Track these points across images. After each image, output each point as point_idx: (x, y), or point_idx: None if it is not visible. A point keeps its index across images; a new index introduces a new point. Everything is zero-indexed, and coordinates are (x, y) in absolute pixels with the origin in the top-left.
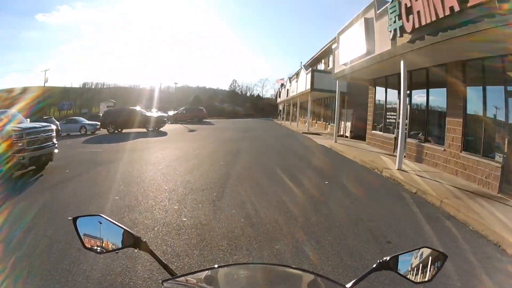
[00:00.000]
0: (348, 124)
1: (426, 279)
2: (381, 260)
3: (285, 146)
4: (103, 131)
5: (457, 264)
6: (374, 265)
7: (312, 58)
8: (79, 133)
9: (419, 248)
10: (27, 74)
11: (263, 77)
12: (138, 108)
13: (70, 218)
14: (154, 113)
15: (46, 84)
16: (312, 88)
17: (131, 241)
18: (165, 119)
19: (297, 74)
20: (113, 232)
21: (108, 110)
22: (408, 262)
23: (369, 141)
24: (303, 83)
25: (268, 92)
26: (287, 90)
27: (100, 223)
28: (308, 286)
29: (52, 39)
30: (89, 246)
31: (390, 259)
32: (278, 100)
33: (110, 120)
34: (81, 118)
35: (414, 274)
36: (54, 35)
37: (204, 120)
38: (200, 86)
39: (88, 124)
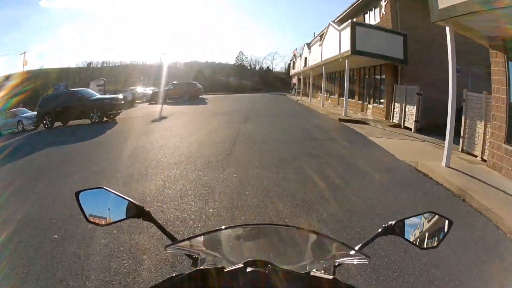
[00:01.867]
0: (411, 109)
1: (433, 245)
2: (386, 225)
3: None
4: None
5: None
6: (380, 230)
7: (341, 15)
8: (16, 130)
9: (425, 213)
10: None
11: (273, 50)
12: (85, 89)
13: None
14: (111, 95)
15: (39, 67)
16: (354, 49)
17: (134, 211)
18: (121, 102)
19: (322, 35)
20: (116, 203)
21: (46, 96)
22: (414, 227)
23: (495, 163)
24: (333, 46)
25: (278, 66)
26: (305, 59)
27: (103, 195)
28: (317, 247)
29: (55, 22)
30: (92, 220)
31: (395, 223)
32: (292, 72)
33: (47, 109)
34: (24, 109)
35: (420, 240)
36: (57, 18)
37: (199, 96)
38: (209, 61)
39: (26, 117)
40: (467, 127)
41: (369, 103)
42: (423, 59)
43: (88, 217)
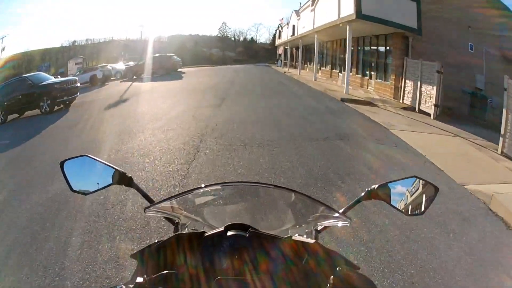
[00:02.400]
0: (429, 90)
1: (418, 212)
2: (369, 189)
3: None
4: None
5: None
6: (363, 194)
7: None
8: None
9: (408, 178)
10: None
11: (257, 21)
12: (38, 74)
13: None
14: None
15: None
16: (359, 13)
17: (117, 178)
18: (75, 85)
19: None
20: (100, 170)
21: None
22: (398, 192)
23: None
24: (329, 10)
25: (262, 37)
26: (293, 27)
27: (86, 163)
28: (299, 209)
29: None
30: (76, 189)
31: (378, 188)
32: (277, 42)
33: None
34: None
35: (405, 206)
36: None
37: (177, 70)
38: (193, 34)
39: None
40: (509, 124)
41: (370, 78)
42: (434, 33)
43: (72, 186)
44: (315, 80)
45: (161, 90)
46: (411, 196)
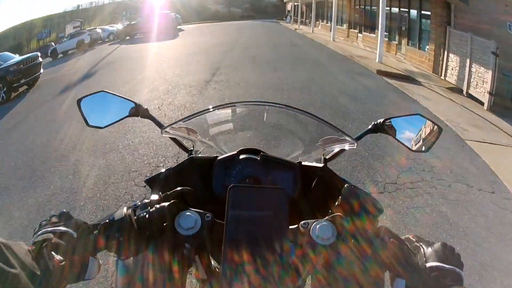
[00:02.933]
0: (482, 73)
1: (423, 149)
2: (375, 122)
3: None
4: None
5: None
6: (370, 126)
7: None
8: None
9: (413, 115)
10: None
11: None
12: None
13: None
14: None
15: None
16: None
17: (132, 110)
18: (36, 61)
19: None
20: (115, 104)
21: None
22: (403, 128)
23: None
24: None
25: None
26: None
27: (103, 98)
28: (309, 131)
29: None
30: (92, 124)
31: (384, 121)
32: None
33: None
34: None
35: (410, 141)
36: None
37: (177, 28)
38: None
39: None
40: None
41: (399, 43)
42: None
43: (88, 121)
44: (334, 40)
45: (147, 55)
46: (416, 132)
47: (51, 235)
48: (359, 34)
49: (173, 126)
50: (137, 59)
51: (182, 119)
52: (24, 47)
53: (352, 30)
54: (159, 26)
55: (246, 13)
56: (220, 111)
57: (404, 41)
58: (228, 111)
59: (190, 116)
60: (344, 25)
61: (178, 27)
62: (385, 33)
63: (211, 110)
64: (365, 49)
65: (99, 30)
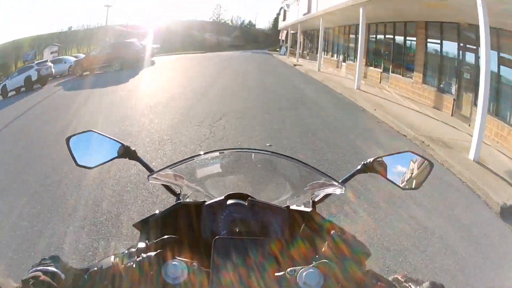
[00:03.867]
0: None
1: (413, 187)
2: (365, 162)
3: None
4: None
5: None
6: (359, 167)
7: None
8: None
9: (403, 152)
10: None
11: (255, 6)
12: None
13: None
14: None
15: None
16: None
17: (121, 151)
18: None
19: None
20: (104, 144)
21: None
22: (393, 166)
23: None
24: None
25: (260, 24)
26: (309, 2)
27: (91, 138)
28: (296, 176)
29: None
30: (81, 163)
31: (373, 160)
32: (281, 24)
33: None
34: None
35: (400, 180)
36: None
37: (152, 58)
38: (189, 20)
39: None
40: None
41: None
42: None
43: (77, 161)
44: (359, 89)
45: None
46: (406, 170)
47: (40, 273)
48: (388, 74)
49: (160, 173)
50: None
51: (170, 166)
52: (11, 68)
53: (371, 68)
54: (125, 59)
55: (236, 42)
56: (208, 156)
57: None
58: (216, 155)
59: (178, 162)
60: (355, 60)
61: (153, 58)
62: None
63: (202, 155)
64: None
65: (49, 64)
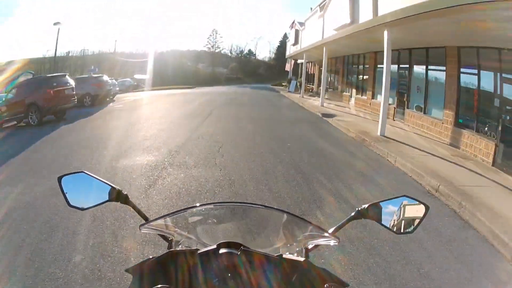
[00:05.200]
0: None
1: (408, 230)
2: (359, 208)
3: None
4: None
5: None
6: (353, 213)
7: None
8: None
9: (399, 197)
10: None
11: (256, 35)
12: None
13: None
14: None
15: None
16: None
17: (113, 195)
18: None
19: None
20: (96, 187)
21: None
22: (388, 212)
23: None
24: None
25: (261, 54)
26: (323, 23)
27: (83, 179)
28: (290, 228)
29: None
30: (73, 204)
31: (368, 207)
32: (290, 52)
33: None
34: None
35: (395, 225)
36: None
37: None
38: (182, 50)
39: None
40: None
41: None
42: None
43: (69, 201)
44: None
45: None
46: (401, 215)
47: None
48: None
49: (152, 223)
50: None
51: (163, 216)
52: None
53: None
54: (35, 108)
55: (233, 74)
56: (202, 208)
57: None
58: (210, 207)
59: (172, 213)
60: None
61: (121, 94)
62: None
63: (197, 206)
64: None
65: None
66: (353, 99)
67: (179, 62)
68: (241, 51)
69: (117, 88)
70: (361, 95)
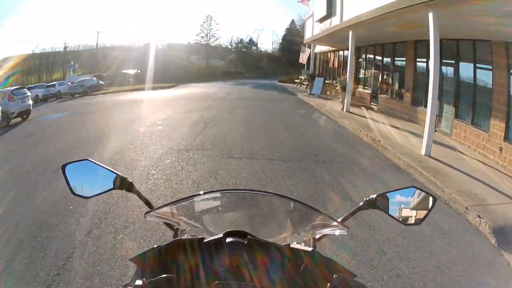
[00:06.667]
0: None
1: (415, 222)
2: (367, 199)
3: None
4: None
5: None
6: (361, 203)
7: None
8: None
9: (407, 188)
10: None
11: (258, 27)
12: None
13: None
14: None
15: None
16: None
17: (118, 182)
18: None
19: None
20: (100, 175)
21: None
22: (396, 202)
23: None
24: None
25: (264, 46)
26: None
27: (88, 167)
28: (298, 217)
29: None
30: (77, 193)
31: (376, 197)
32: (312, 33)
33: None
34: None
35: (403, 215)
36: None
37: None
38: (182, 43)
39: None
40: None
41: None
42: None
43: (73, 189)
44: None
45: None
46: (409, 205)
47: None
48: None
49: (158, 210)
50: None
51: (168, 204)
52: None
53: None
54: None
55: (231, 67)
56: (208, 195)
57: None
58: (217, 195)
59: (177, 201)
60: None
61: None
62: None
63: (201, 194)
64: None
65: None
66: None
67: (169, 54)
68: (241, 41)
69: (29, 102)
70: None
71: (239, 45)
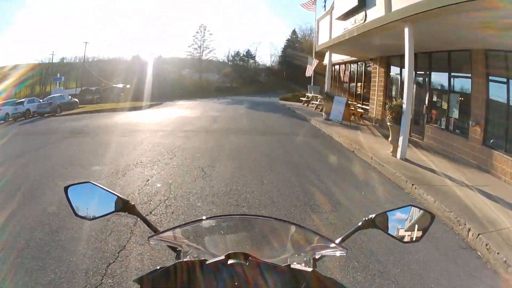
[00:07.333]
0: None
1: (414, 240)
2: (366, 218)
3: None
4: None
5: None
6: (360, 223)
7: None
8: None
9: (405, 207)
10: None
11: (256, 40)
12: None
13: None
14: None
15: None
16: None
17: (120, 205)
18: None
19: None
20: (103, 197)
21: None
22: (394, 221)
23: None
24: None
25: (261, 59)
26: None
27: (90, 189)
28: (298, 240)
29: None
30: (80, 214)
31: (375, 217)
32: (330, 37)
33: None
34: None
35: (401, 234)
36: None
37: None
38: (173, 56)
39: None
40: None
41: None
42: None
43: (76, 211)
44: None
45: None
46: (407, 224)
47: None
48: None
49: (161, 234)
50: None
51: (172, 229)
52: None
53: None
54: None
55: (227, 81)
56: (210, 220)
57: None
58: (219, 219)
59: (180, 225)
60: None
61: None
62: None
63: (204, 219)
64: None
65: None
66: None
67: (160, 69)
68: (237, 53)
69: None
70: None
71: (236, 58)
